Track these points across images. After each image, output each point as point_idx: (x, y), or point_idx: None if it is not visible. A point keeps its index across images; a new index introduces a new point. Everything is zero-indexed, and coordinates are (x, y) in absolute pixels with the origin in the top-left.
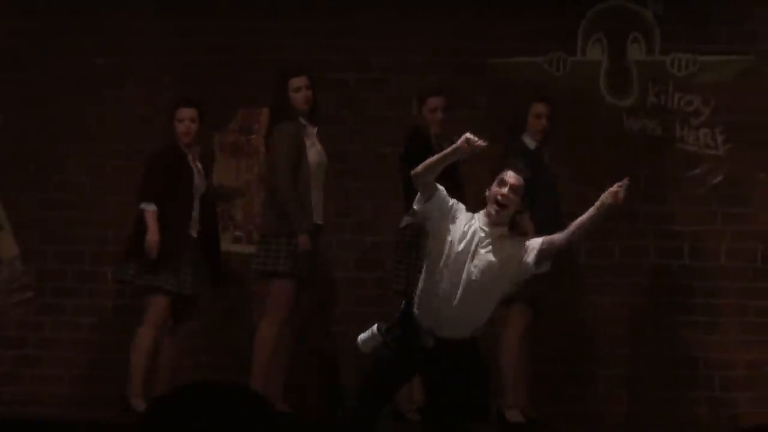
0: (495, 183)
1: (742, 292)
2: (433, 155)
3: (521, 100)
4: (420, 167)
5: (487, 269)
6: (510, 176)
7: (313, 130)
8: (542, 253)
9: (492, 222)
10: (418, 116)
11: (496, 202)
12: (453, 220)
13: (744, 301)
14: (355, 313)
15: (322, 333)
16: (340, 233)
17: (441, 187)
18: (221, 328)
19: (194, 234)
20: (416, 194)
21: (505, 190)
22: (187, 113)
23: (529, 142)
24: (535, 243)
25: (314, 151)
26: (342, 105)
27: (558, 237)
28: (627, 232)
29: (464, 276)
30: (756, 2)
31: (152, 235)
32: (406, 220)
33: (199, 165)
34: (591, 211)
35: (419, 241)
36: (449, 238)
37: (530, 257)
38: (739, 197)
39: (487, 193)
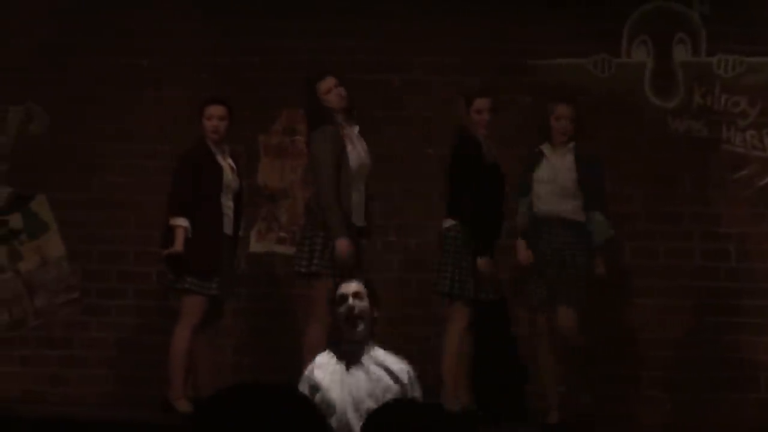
0: None
1: None
2: (482, 156)
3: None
4: None
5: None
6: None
7: (353, 130)
8: None
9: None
10: (465, 117)
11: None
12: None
13: None
14: (399, 315)
15: None
16: (384, 235)
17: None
18: (265, 329)
19: (230, 232)
20: (461, 194)
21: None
22: (216, 110)
23: (548, 149)
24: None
25: (355, 153)
26: (385, 106)
27: None
28: (672, 233)
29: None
30: None
31: (178, 246)
32: (449, 221)
33: (231, 162)
34: None
35: (463, 243)
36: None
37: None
38: None
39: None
